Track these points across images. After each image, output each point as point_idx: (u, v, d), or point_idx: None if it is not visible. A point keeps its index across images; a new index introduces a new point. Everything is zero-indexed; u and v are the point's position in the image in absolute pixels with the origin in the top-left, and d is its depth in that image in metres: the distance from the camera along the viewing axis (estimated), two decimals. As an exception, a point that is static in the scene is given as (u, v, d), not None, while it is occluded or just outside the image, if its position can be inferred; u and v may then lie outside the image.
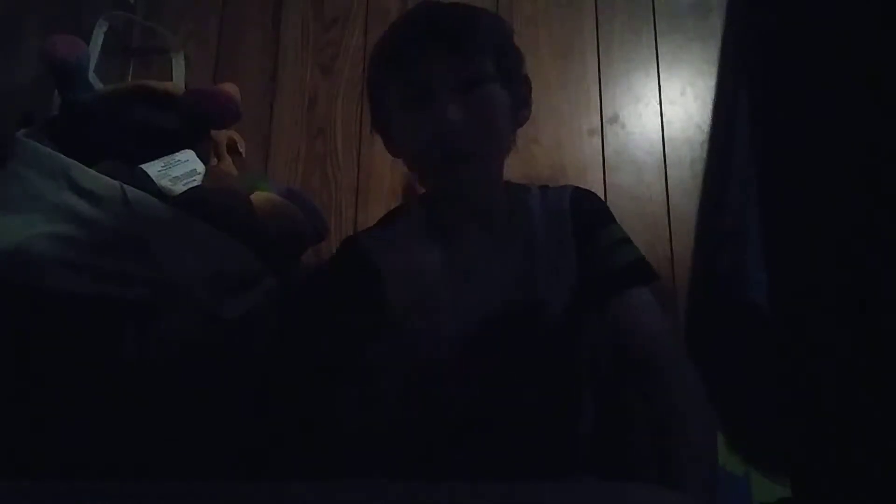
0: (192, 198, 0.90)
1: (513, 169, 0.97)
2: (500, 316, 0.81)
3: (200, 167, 1.00)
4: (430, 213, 0.91)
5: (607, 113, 1.25)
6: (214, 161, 1.13)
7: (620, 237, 0.86)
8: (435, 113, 0.78)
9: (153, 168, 0.95)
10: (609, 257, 0.83)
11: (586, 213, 0.88)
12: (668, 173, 1.20)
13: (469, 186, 0.84)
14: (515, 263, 0.85)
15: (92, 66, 1.11)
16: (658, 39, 1.28)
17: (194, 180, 0.97)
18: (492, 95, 0.81)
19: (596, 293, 0.82)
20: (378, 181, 1.24)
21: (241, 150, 1.21)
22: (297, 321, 0.97)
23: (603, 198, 1.19)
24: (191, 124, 1.04)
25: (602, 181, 1.21)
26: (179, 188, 0.95)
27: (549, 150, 1.20)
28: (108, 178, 0.86)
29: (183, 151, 1.00)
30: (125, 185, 0.85)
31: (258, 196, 0.99)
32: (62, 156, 0.86)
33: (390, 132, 0.89)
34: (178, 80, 1.28)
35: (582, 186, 0.93)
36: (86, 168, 0.86)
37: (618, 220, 0.89)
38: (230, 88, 1.08)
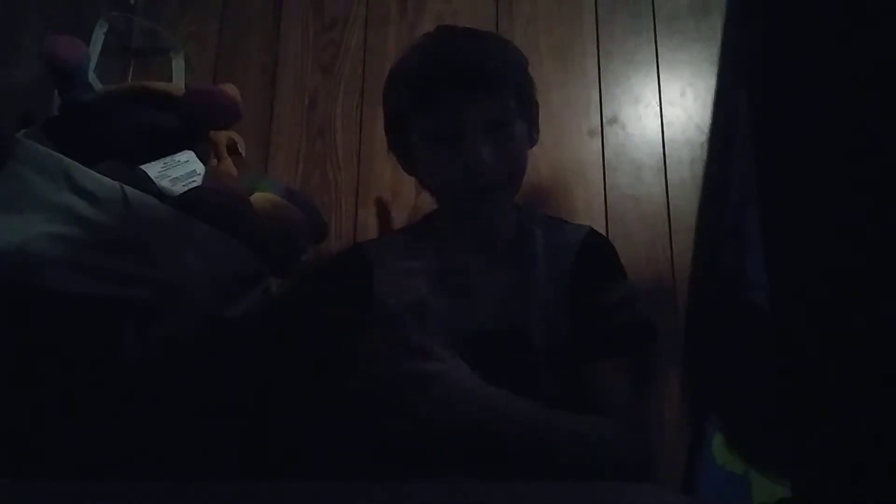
0: (191, 198, 0.90)
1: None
2: (481, 338, 0.81)
3: (200, 168, 1.00)
4: (436, 228, 0.95)
5: (607, 114, 1.25)
6: (214, 161, 1.13)
7: (627, 295, 0.87)
8: (468, 153, 0.81)
9: (153, 169, 0.95)
10: (610, 316, 0.85)
11: (596, 258, 0.90)
12: (668, 174, 1.20)
13: (485, 215, 0.88)
14: (508, 289, 0.87)
15: (92, 66, 1.11)
16: (658, 40, 1.28)
17: (194, 181, 0.97)
18: (517, 134, 0.86)
19: (588, 349, 0.83)
20: (378, 181, 1.24)
21: (241, 150, 1.21)
22: (294, 315, 1.00)
23: (603, 198, 1.19)
24: (191, 124, 1.04)
25: (602, 182, 1.21)
26: (179, 189, 0.95)
27: (548, 150, 1.20)
28: (108, 178, 0.86)
29: (183, 152, 1.00)
30: (125, 186, 0.85)
31: (258, 196, 1.00)
32: (62, 156, 0.86)
33: (410, 158, 0.91)
34: (178, 80, 1.28)
35: (598, 231, 0.95)
36: (86, 168, 0.86)
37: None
38: (230, 88, 1.09)
